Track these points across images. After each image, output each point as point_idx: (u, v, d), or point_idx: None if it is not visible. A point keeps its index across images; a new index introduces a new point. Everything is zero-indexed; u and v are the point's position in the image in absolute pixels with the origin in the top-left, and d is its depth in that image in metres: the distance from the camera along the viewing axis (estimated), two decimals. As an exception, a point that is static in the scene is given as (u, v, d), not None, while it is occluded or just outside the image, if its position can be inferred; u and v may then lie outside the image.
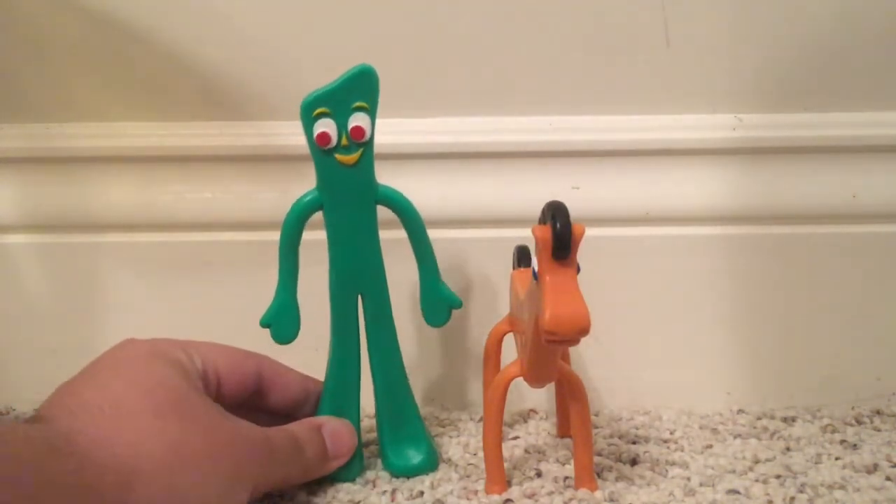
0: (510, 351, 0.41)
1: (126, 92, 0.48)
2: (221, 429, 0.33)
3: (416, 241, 0.40)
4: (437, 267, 0.40)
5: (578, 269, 0.31)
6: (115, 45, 0.47)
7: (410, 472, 0.40)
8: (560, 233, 0.30)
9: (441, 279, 0.41)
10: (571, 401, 0.37)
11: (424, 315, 0.41)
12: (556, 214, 0.30)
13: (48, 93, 0.49)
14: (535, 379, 0.36)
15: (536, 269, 0.31)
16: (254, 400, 0.39)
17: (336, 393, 0.40)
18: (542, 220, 0.32)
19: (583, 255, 0.32)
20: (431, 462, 0.41)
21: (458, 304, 0.41)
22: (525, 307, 0.36)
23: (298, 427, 0.37)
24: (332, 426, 0.38)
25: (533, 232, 0.31)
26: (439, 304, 0.41)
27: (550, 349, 0.34)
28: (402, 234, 0.40)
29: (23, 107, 0.49)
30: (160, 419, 0.31)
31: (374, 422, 0.42)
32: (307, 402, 0.41)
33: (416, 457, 0.40)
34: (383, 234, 0.39)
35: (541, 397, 0.47)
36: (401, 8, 0.46)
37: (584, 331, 0.30)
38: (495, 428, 0.38)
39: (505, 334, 0.43)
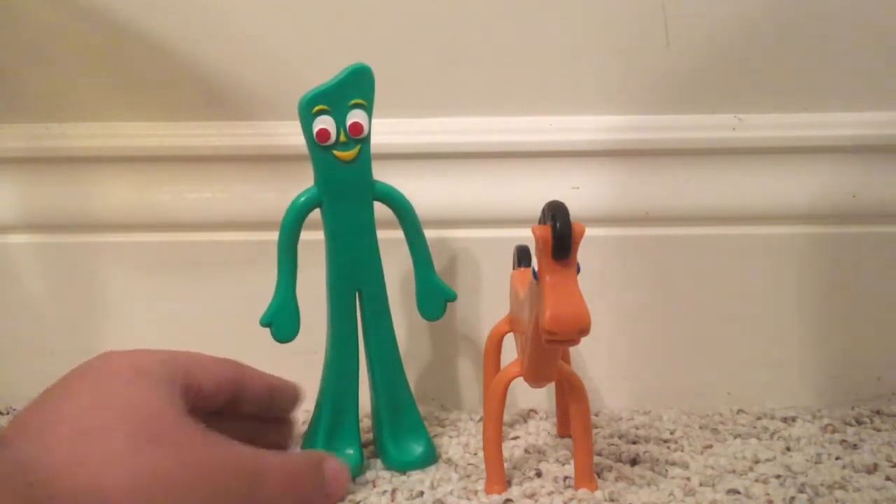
0: (510, 351, 0.41)
1: (126, 92, 0.48)
2: (203, 455, 0.31)
3: (412, 235, 0.40)
4: (431, 261, 0.41)
5: (578, 269, 0.31)
6: (115, 45, 0.47)
7: (412, 466, 0.40)
8: (560, 233, 0.30)
9: (435, 272, 0.41)
10: (571, 401, 0.37)
11: (420, 309, 0.41)
12: (556, 214, 0.30)
13: (48, 93, 0.49)
14: (535, 379, 0.36)
15: (536, 268, 0.31)
16: (228, 407, 0.38)
17: (335, 388, 0.40)
18: (542, 220, 0.31)
19: (583, 255, 0.32)
20: (432, 454, 0.41)
21: (453, 297, 0.41)
22: (525, 307, 0.36)
23: (299, 459, 0.36)
24: (332, 465, 0.37)
25: (533, 232, 0.31)
26: (434, 296, 0.41)
27: (551, 349, 0.34)
28: (398, 234, 0.40)
29: (23, 107, 0.49)
30: (131, 442, 0.28)
31: (370, 422, 0.43)
32: (273, 402, 0.39)
33: (417, 449, 0.41)
34: (380, 235, 0.39)
35: (541, 397, 0.47)
36: (400, 9, 0.46)
37: (584, 331, 0.30)
38: (495, 427, 0.38)
39: (505, 334, 0.43)
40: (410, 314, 0.46)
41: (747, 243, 0.47)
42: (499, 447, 0.38)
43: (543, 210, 0.32)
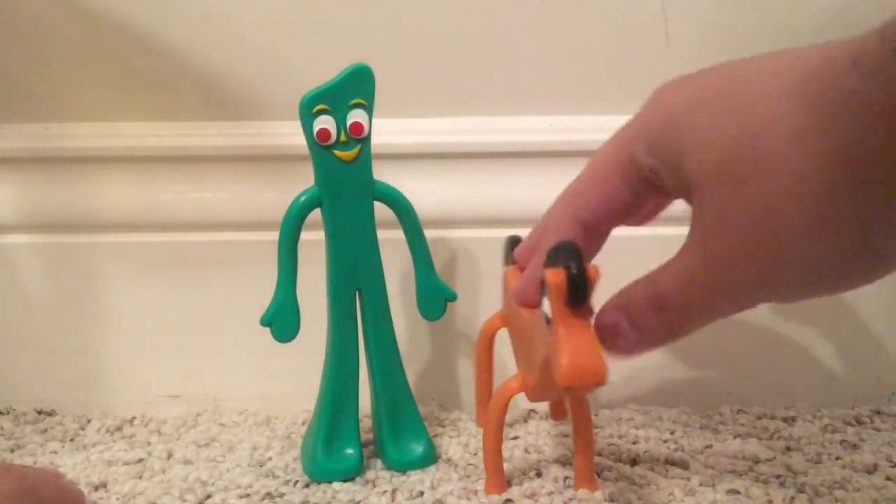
0: (503, 347, 0.41)
1: (126, 92, 0.48)
2: None
3: (412, 235, 0.41)
4: (431, 261, 0.41)
5: (592, 313, 0.29)
6: (115, 45, 0.47)
7: (412, 466, 0.40)
8: (576, 278, 0.27)
9: (435, 273, 0.41)
10: (572, 401, 0.37)
11: (420, 309, 0.41)
12: (570, 258, 0.28)
13: (48, 93, 0.49)
14: (540, 399, 0.36)
15: (549, 314, 0.29)
16: None
17: (336, 388, 0.40)
18: (552, 263, 0.29)
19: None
20: (432, 454, 0.41)
21: (453, 297, 0.42)
22: (534, 346, 0.34)
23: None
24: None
25: (545, 277, 0.28)
26: (434, 296, 0.41)
27: (546, 377, 0.32)
28: (398, 234, 0.40)
29: (23, 107, 0.49)
30: None
31: (370, 422, 0.43)
32: None
33: (417, 449, 0.41)
34: (380, 235, 0.39)
35: (541, 397, 0.47)
36: (400, 9, 0.46)
37: (601, 383, 0.28)
38: (496, 439, 0.37)
39: (497, 329, 0.43)
40: (410, 314, 0.46)
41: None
42: (499, 456, 0.38)
43: (550, 253, 0.29)
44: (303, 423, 0.46)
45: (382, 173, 0.40)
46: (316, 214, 0.39)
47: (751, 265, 0.24)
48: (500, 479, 0.38)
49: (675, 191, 0.26)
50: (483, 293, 0.48)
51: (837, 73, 0.22)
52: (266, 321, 0.38)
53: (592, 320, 0.29)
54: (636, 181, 0.27)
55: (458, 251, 0.47)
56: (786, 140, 0.22)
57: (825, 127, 0.22)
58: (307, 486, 0.40)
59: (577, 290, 0.27)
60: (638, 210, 0.29)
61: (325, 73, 0.38)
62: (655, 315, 0.27)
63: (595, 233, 0.30)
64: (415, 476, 0.40)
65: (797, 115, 0.22)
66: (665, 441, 0.43)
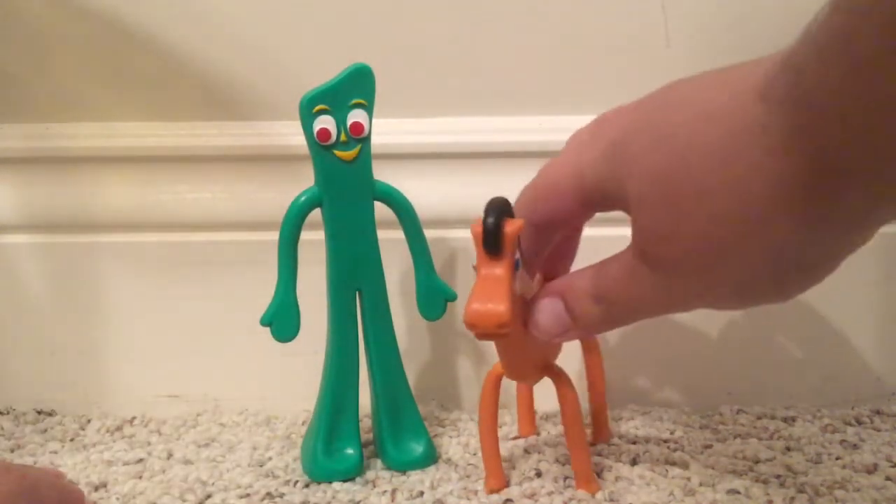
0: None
1: (126, 92, 0.48)
2: None
3: (412, 235, 0.41)
4: (431, 261, 0.41)
5: (518, 266, 0.31)
6: (115, 45, 0.47)
7: (412, 466, 0.41)
8: (489, 228, 0.30)
9: (436, 272, 0.41)
10: (559, 399, 0.37)
11: (420, 309, 0.41)
12: (489, 210, 0.30)
13: (48, 93, 0.49)
14: (511, 374, 0.36)
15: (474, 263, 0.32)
16: None
17: (336, 388, 0.40)
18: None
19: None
20: (432, 454, 0.41)
21: (453, 297, 0.42)
22: None
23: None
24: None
25: (471, 227, 0.31)
26: (434, 296, 0.41)
27: (502, 342, 0.33)
28: (398, 234, 0.40)
29: (23, 107, 0.49)
30: None
31: (370, 422, 0.43)
32: None
33: (417, 449, 0.41)
34: (380, 235, 0.40)
35: (540, 397, 0.47)
36: (400, 9, 0.46)
37: (502, 325, 0.29)
38: (489, 423, 0.38)
39: None
40: (410, 314, 0.46)
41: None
42: (495, 442, 0.38)
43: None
44: (303, 423, 0.46)
45: (382, 173, 0.40)
46: (316, 214, 0.39)
47: (686, 283, 0.26)
48: (496, 468, 0.38)
49: (619, 207, 0.29)
50: (483, 293, 0.48)
51: (746, 107, 0.24)
52: (266, 321, 0.38)
53: (518, 274, 0.31)
54: (588, 201, 0.30)
55: (458, 251, 0.47)
56: (707, 169, 0.24)
57: (740, 155, 0.23)
58: (307, 486, 0.40)
59: (489, 239, 0.30)
60: (585, 218, 0.32)
61: (325, 73, 0.38)
62: (594, 304, 0.29)
63: (546, 232, 0.33)
64: (415, 476, 0.40)
65: (714, 145, 0.24)
66: (665, 441, 0.43)
